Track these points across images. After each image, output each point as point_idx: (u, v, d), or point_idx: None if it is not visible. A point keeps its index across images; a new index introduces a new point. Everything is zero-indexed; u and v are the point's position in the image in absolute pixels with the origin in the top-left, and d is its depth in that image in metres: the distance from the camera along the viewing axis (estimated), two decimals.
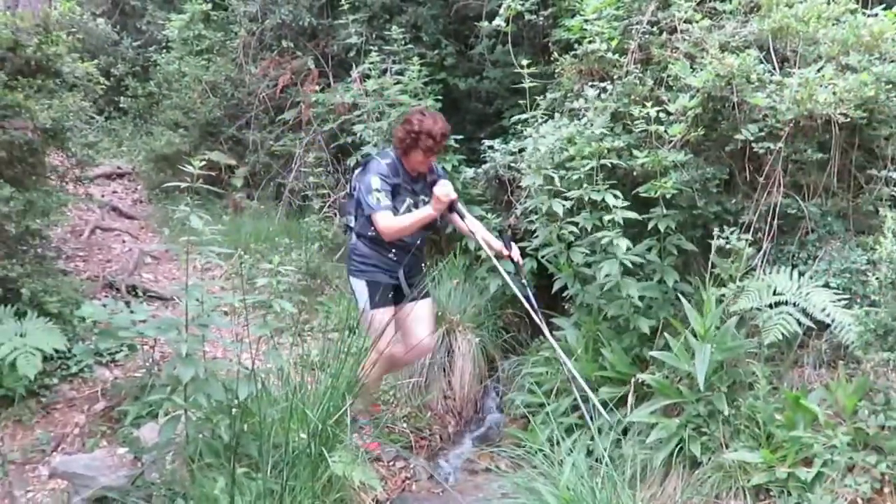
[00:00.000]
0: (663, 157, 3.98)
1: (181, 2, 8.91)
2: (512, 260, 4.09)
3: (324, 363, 3.88)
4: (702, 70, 3.97)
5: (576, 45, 4.72)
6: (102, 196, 7.94)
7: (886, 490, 2.95)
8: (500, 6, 5.51)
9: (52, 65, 4.46)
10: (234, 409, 3.20)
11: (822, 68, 3.86)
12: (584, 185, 4.14)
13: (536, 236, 4.62)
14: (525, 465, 3.43)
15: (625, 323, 4.09)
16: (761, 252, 3.96)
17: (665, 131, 4.00)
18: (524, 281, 4.16)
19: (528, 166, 4.50)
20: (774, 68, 4.07)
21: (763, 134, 3.86)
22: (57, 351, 4.00)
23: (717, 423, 3.52)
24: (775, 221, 3.97)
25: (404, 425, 4.47)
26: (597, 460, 3.24)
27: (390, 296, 4.03)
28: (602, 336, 4.19)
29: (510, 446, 4.11)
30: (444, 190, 3.82)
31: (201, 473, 3.08)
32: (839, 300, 3.55)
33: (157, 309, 5.31)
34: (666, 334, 3.84)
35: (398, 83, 5.75)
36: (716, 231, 3.86)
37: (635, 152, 4.07)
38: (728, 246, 3.76)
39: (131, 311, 4.16)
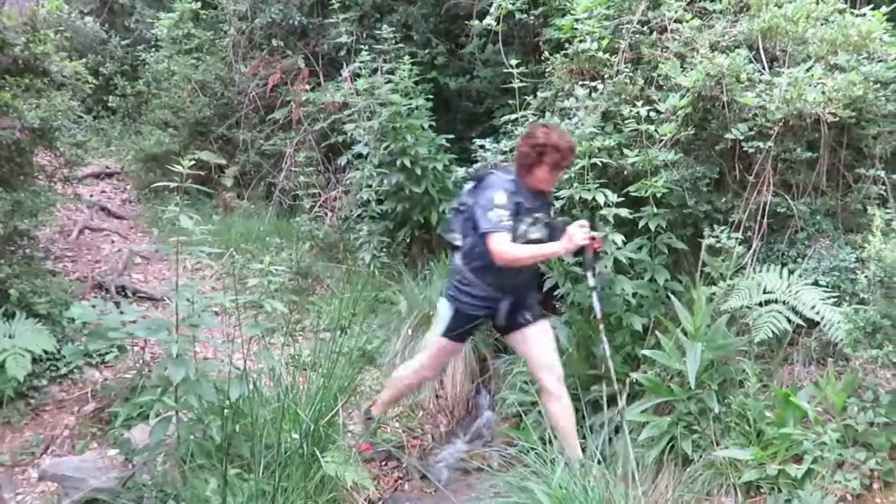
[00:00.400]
0: (654, 156, 3.99)
1: (170, 0, 8.86)
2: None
3: (315, 363, 3.87)
4: (692, 69, 3.99)
5: (566, 45, 4.72)
6: (91, 196, 7.89)
7: (875, 486, 2.98)
8: (490, 5, 5.50)
9: (40, 64, 4.43)
10: (225, 410, 3.18)
11: (811, 68, 3.88)
12: (575, 185, 4.15)
13: None
14: (517, 463, 3.43)
15: (616, 321, 4.10)
16: (751, 250, 3.98)
17: (655, 130, 4.01)
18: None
19: None
20: (764, 68, 4.09)
21: (753, 133, 3.88)
22: (46, 352, 3.98)
23: (708, 420, 3.53)
24: (765, 220, 3.99)
25: (396, 425, 4.47)
26: (589, 459, 3.25)
27: (469, 330, 3.78)
28: (594, 335, 4.19)
29: (502, 445, 4.13)
30: (581, 233, 3.42)
31: (193, 475, 3.07)
32: (828, 298, 3.58)
33: (147, 309, 5.29)
34: (657, 333, 3.85)
35: (389, 82, 5.74)
36: (706, 230, 3.88)
37: (626, 151, 4.08)
38: (718, 244, 3.78)
39: (121, 312, 4.14)
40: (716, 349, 3.60)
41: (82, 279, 5.49)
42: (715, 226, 3.92)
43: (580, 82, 4.48)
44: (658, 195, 4.01)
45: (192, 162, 3.19)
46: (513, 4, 5.40)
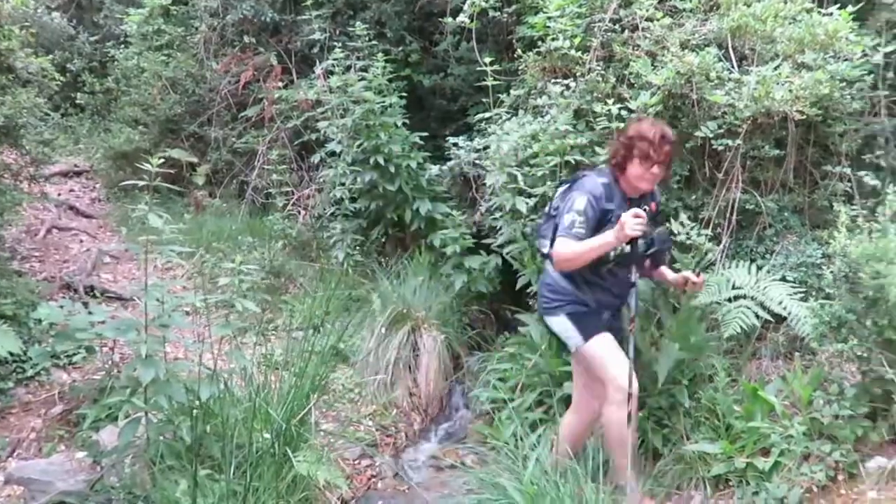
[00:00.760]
0: None
1: None
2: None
3: (288, 362, 3.85)
4: (662, 68, 4.03)
5: (539, 43, 4.75)
6: (59, 195, 7.77)
7: (840, 478, 3.03)
8: (464, 2, 5.50)
9: (5, 60, 4.35)
10: (195, 411, 3.15)
11: (778, 66, 3.93)
12: (548, 182, 4.17)
13: (501, 233, 4.64)
14: (490, 461, 3.44)
15: None
16: (720, 247, 4.03)
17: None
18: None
19: (492, 164, 4.52)
20: (733, 66, 4.14)
21: (722, 131, 3.93)
22: (12, 354, 3.91)
23: (678, 415, 3.57)
24: (734, 217, 4.05)
25: (370, 423, 4.45)
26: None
27: (604, 318, 3.31)
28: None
29: (476, 442, 4.15)
30: (632, 223, 2.92)
31: (163, 476, 3.04)
32: (795, 293, 3.64)
33: (117, 310, 5.20)
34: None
35: (362, 79, 5.72)
36: (677, 226, 3.91)
37: (598, 149, 4.11)
38: (688, 241, 3.82)
39: (89, 312, 4.06)
40: (689, 347, 3.63)
41: (50, 279, 5.39)
42: (685, 222, 3.96)
43: (553, 80, 4.51)
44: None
45: (162, 160, 3.14)
46: (486, 2, 5.41)
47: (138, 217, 3.17)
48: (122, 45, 8.81)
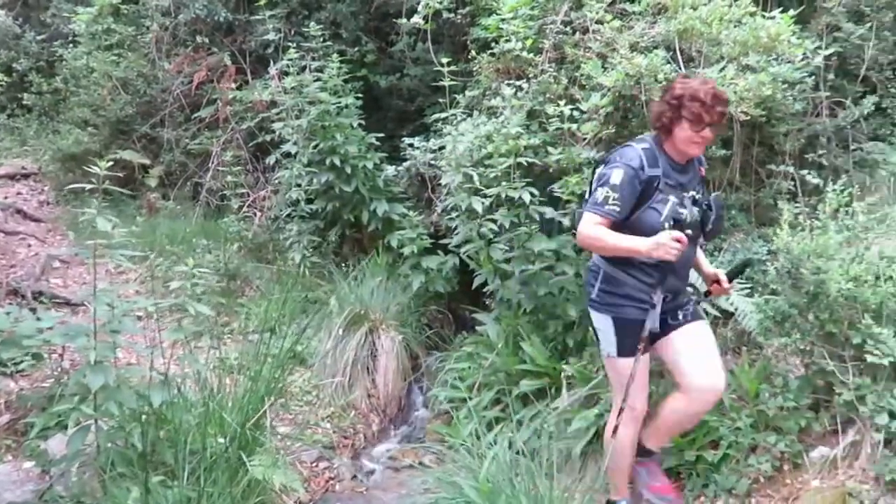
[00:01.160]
0: (577, 154, 4.08)
1: None
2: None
3: (243, 365, 3.81)
4: (612, 69, 4.09)
5: (493, 44, 4.78)
6: (6, 198, 7.57)
7: (785, 468, 3.13)
8: (419, 3, 5.52)
9: None
10: (146, 417, 3.10)
11: (724, 68, 4.03)
12: (502, 183, 4.21)
13: (457, 233, 4.66)
14: (448, 460, 3.46)
15: (545, 318, 4.18)
16: None
17: (578, 129, 4.10)
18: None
19: (448, 164, 4.55)
20: (680, 68, 4.22)
21: None
22: None
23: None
24: None
25: (327, 426, 4.44)
26: (518, 452, 3.30)
27: (645, 334, 2.90)
28: (522, 330, 4.26)
29: (434, 442, 4.16)
30: (667, 248, 2.63)
31: (114, 484, 2.98)
32: (742, 289, 3.73)
33: (67, 315, 5.09)
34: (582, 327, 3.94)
35: (318, 80, 5.69)
36: None
37: (550, 150, 4.16)
38: None
39: (37, 319, 3.97)
40: None
41: None
42: None
43: (506, 81, 4.55)
44: (582, 193, 4.10)
45: (113, 162, 3.09)
46: (440, 3, 5.43)
47: (87, 220, 3.10)
48: (71, 45, 8.60)
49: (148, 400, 3.10)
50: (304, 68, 5.86)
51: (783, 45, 4.07)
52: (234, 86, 7.00)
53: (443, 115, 4.94)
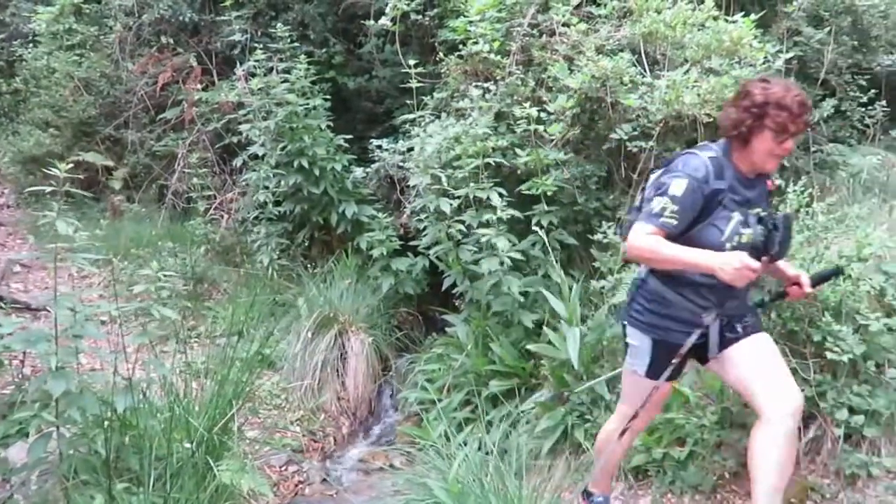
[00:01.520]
0: (544, 155, 4.12)
1: None
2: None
3: (210, 369, 3.76)
4: (579, 72, 4.14)
5: (461, 46, 4.80)
6: None
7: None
8: (387, 5, 5.51)
9: None
10: (109, 422, 3.05)
11: (687, 71, 4.10)
12: (470, 184, 4.22)
13: (426, 234, 4.66)
14: (418, 461, 3.46)
15: (510, 318, 4.20)
16: None
17: (545, 131, 4.13)
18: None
19: (417, 166, 4.55)
20: (645, 71, 4.29)
21: (636, 133, 4.07)
22: None
23: (599, 409, 3.67)
24: None
25: (297, 429, 4.40)
26: (487, 453, 3.31)
27: (675, 362, 2.64)
28: (491, 331, 4.28)
29: (404, 444, 4.16)
30: (738, 274, 2.29)
31: (77, 492, 2.92)
32: None
33: (28, 321, 4.98)
34: (546, 328, 3.96)
35: (285, 81, 5.65)
36: (596, 226, 4.03)
37: (518, 151, 4.19)
38: (606, 240, 3.94)
39: None
40: (599, 338, 3.73)
41: None
42: (604, 222, 4.07)
43: (474, 83, 4.57)
44: (549, 193, 4.14)
45: (75, 164, 3.03)
46: (408, 5, 5.43)
47: (49, 224, 3.04)
48: (31, 45, 8.41)
49: (112, 405, 3.05)
50: (271, 69, 5.82)
51: (745, 48, 4.16)
52: (199, 87, 6.90)
53: (411, 116, 4.94)
